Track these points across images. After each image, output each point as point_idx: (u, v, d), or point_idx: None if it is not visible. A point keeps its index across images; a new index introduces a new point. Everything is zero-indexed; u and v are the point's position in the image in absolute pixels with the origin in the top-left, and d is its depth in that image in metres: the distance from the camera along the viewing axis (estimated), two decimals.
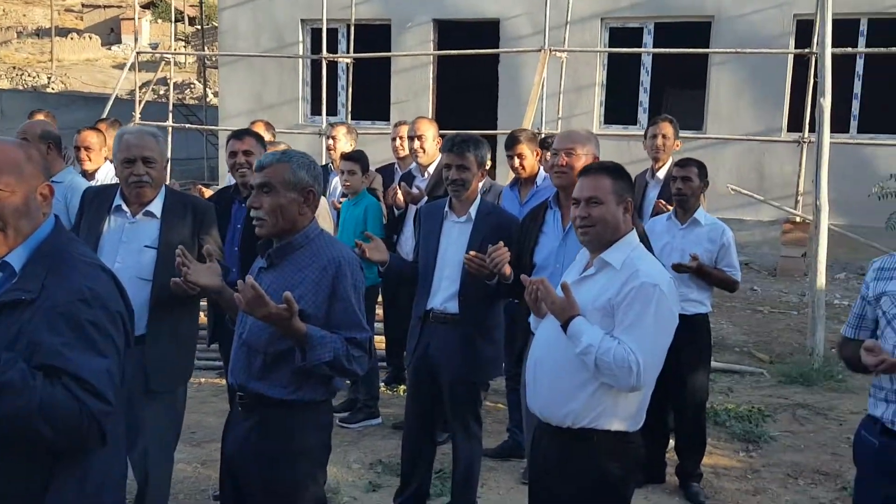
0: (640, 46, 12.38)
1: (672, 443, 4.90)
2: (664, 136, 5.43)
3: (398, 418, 5.43)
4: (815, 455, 5.20)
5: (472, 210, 4.02)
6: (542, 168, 5.11)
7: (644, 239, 3.65)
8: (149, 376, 3.49)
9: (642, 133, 11.27)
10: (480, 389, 4.25)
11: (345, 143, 6.28)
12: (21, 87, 33.01)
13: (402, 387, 6.05)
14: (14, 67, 42.77)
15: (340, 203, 5.72)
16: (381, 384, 6.08)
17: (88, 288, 2.04)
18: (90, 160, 5.46)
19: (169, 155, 14.57)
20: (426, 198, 5.33)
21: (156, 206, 3.63)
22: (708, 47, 11.98)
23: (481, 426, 4.19)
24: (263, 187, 2.81)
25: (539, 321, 2.98)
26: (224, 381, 4.54)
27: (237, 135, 4.57)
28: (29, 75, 40.61)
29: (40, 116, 6.72)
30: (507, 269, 3.63)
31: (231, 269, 3.77)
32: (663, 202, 5.16)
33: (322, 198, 5.12)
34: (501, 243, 3.66)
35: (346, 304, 2.80)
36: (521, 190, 5.16)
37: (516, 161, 5.06)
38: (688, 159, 4.77)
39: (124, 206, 3.62)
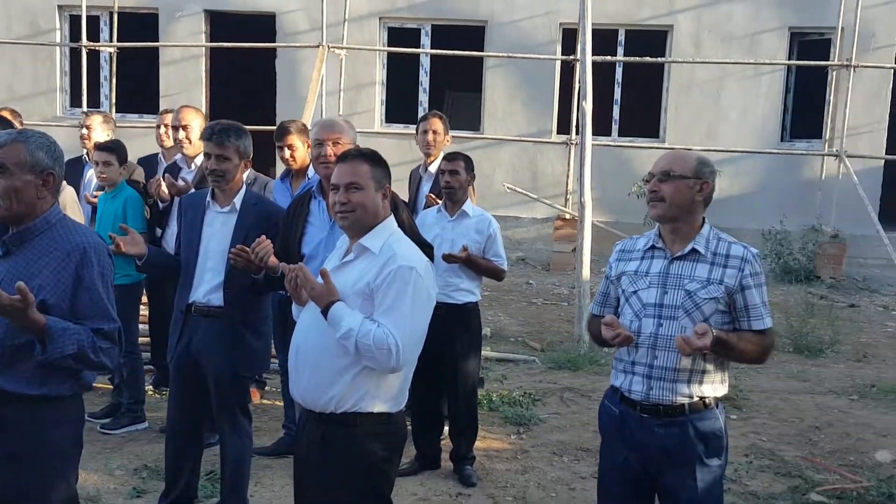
0: (419, 47, 12.65)
1: (446, 429, 5.02)
2: (434, 132, 5.55)
3: (165, 422, 5.17)
4: (579, 433, 5.52)
5: (237, 200, 3.91)
6: None
7: (415, 231, 3.72)
8: None
9: None
10: (248, 383, 4.15)
11: (100, 133, 5.85)
12: None
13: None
14: None
15: (96, 197, 5.37)
16: (149, 387, 5.79)
17: None
18: None
19: None
20: (193, 190, 5.12)
21: None
22: (483, 51, 12.44)
23: (251, 421, 4.08)
24: None
25: (300, 309, 2.95)
26: None
27: None
28: None
29: None
30: (274, 261, 3.56)
31: None
32: (433, 196, 5.28)
33: (70, 188, 4.82)
34: (264, 237, 3.58)
35: (93, 293, 2.66)
36: (293, 182, 5.09)
37: (286, 152, 4.99)
38: (455, 153, 4.90)
39: None
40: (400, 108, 13.17)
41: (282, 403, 5.41)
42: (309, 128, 4.84)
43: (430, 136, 5.54)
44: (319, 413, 2.81)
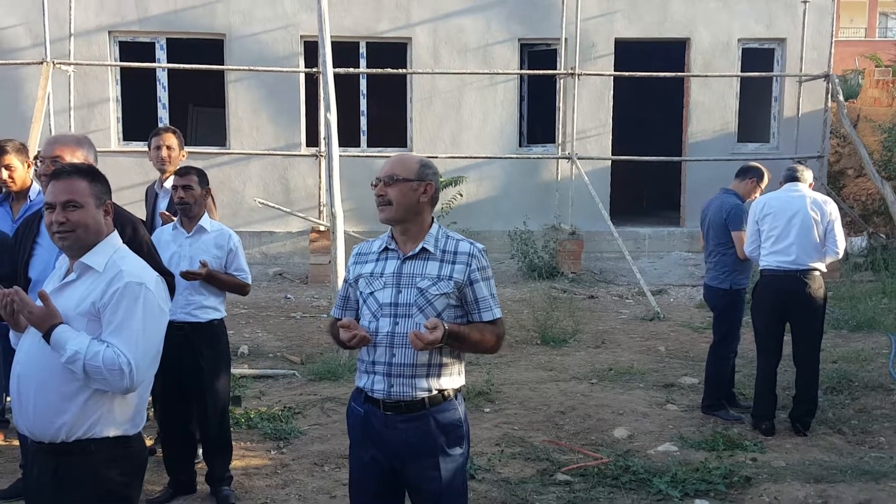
0: (154, 61, 12.16)
1: (200, 451, 4.87)
2: (168, 147, 5.36)
3: None
4: (340, 441, 5.52)
5: None
6: (34, 182, 4.74)
7: (154, 256, 3.57)
8: None
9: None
10: None
11: None
12: None
13: None
14: None
15: None
16: None
17: None
18: None
19: None
20: None
21: None
22: (223, 64, 12.19)
23: None
24: None
25: (19, 336, 2.77)
26: None
27: None
28: None
29: None
30: None
31: None
32: (167, 213, 5.09)
33: None
34: None
35: None
36: (14, 206, 4.74)
37: (4, 173, 4.64)
38: (187, 168, 4.75)
39: None
40: (139, 125, 12.56)
41: (18, 443, 5.01)
42: (36, 148, 4.52)
43: (164, 152, 5.35)
44: (50, 444, 2.65)
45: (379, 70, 11.98)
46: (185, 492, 4.71)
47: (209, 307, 4.63)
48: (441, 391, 2.96)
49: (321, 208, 11.96)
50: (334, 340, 3.18)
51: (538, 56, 13.33)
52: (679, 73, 13.19)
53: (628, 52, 13.25)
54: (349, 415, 3.12)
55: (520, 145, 13.26)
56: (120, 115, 12.41)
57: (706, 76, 12.99)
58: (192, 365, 4.50)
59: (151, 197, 5.45)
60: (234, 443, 4.91)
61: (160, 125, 12.16)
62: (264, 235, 12.29)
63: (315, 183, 12.16)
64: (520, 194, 12.79)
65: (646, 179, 15.91)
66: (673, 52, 13.53)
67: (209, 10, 12.29)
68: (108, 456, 2.66)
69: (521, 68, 13.08)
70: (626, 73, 12.67)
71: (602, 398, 6.53)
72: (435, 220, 3.08)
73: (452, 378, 3.01)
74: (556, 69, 12.76)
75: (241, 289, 4.79)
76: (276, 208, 11.60)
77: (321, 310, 9.90)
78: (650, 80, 13.62)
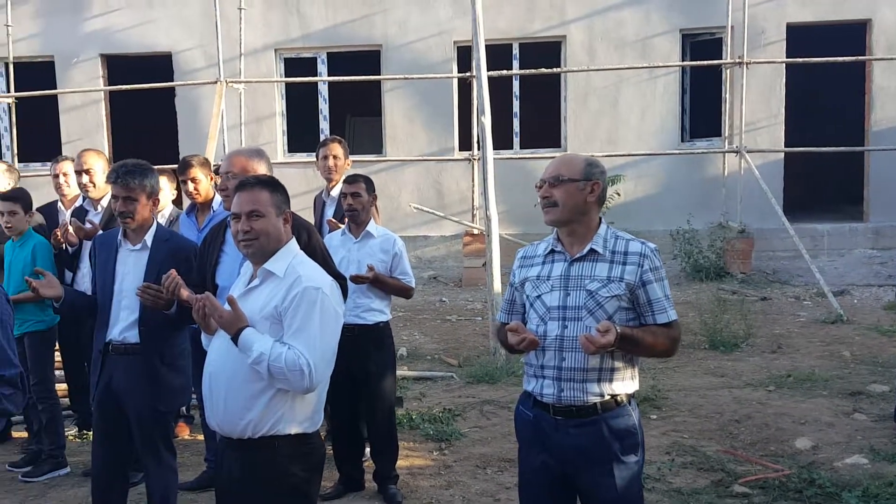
0: (316, 76, 12.65)
1: (368, 450, 5.01)
2: (334, 157, 5.57)
3: (88, 466, 5.06)
4: (500, 445, 5.55)
5: (148, 238, 3.92)
6: (217, 193, 5.05)
7: (328, 261, 3.73)
8: None
9: None
10: (169, 418, 4.12)
11: (2, 182, 5.79)
12: None
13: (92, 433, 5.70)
14: None
15: None
16: (73, 431, 5.76)
17: None
18: None
19: None
20: (101, 232, 5.04)
21: None
22: (379, 74, 12.52)
23: (175, 455, 4.07)
24: None
25: (210, 338, 2.95)
26: None
27: None
28: None
29: None
30: (185, 294, 3.53)
31: None
32: (333, 220, 5.28)
33: None
34: (174, 271, 3.58)
35: None
36: (199, 216, 5.07)
37: (190, 186, 4.97)
38: (355, 175, 4.93)
39: None
40: (302, 137, 13.15)
41: (202, 437, 5.33)
42: (212, 162, 4.82)
43: (331, 161, 5.56)
44: (237, 440, 2.80)
45: (533, 70, 11.92)
46: (354, 489, 4.86)
47: (376, 310, 4.77)
48: (614, 396, 2.90)
49: (474, 212, 12.04)
50: (501, 345, 3.18)
51: (701, 46, 12.85)
52: (860, 57, 12.28)
53: (801, 38, 12.52)
54: (517, 418, 3.11)
55: (682, 140, 12.79)
56: (285, 128, 12.99)
57: (891, 59, 12.05)
58: (360, 366, 4.64)
59: (319, 205, 5.67)
60: (399, 442, 5.02)
61: (326, 136, 12.74)
62: (419, 240, 12.50)
63: (468, 186, 12.27)
64: (682, 191, 12.36)
65: (823, 171, 14.92)
66: (851, 35, 12.66)
67: (367, 23, 12.65)
68: (291, 452, 2.79)
69: (683, 60, 12.62)
70: (801, 60, 11.94)
71: (781, 406, 6.16)
72: (602, 219, 3.01)
73: (625, 383, 2.93)
74: (721, 59, 12.26)
75: (406, 292, 4.91)
76: (430, 213, 11.79)
77: (476, 313, 9.97)
78: (826, 66, 12.79)
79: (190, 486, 4.78)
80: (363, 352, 4.63)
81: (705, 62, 12.27)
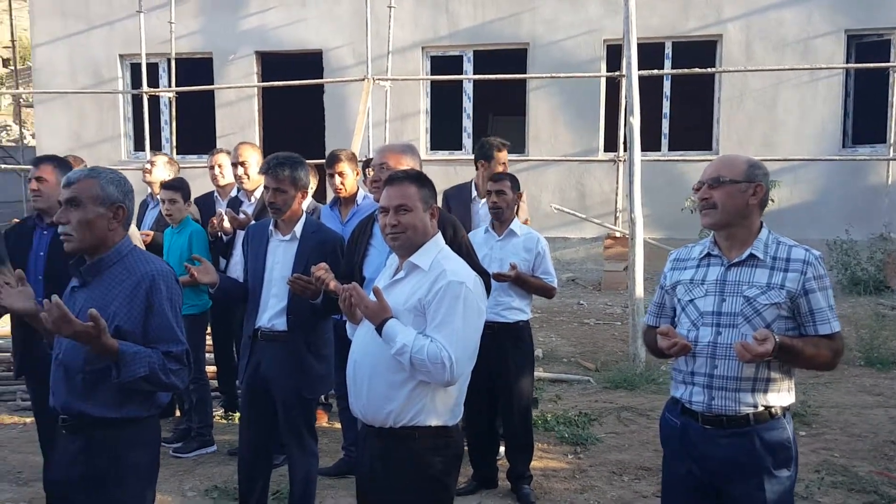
0: (461, 74, 12.74)
1: (502, 449, 4.98)
2: (503, 164, 5.52)
3: (234, 445, 5.29)
4: (639, 452, 5.43)
5: (297, 229, 4.03)
6: (361, 187, 5.15)
7: (473, 257, 3.73)
8: None
9: (467, 158, 11.57)
10: (313, 404, 4.22)
11: (162, 172, 6.11)
12: None
13: (237, 415, 5.92)
14: None
15: (148, 236, 5.55)
16: (219, 412, 6.01)
17: None
18: None
19: None
20: (253, 222, 5.23)
21: None
22: (525, 73, 12.47)
23: (317, 441, 4.17)
24: (71, 202, 2.79)
25: (355, 328, 3.00)
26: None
27: (34, 161, 4.39)
28: None
29: None
30: (332, 285, 3.61)
31: None
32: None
33: (133, 225, 4.99)
34: (324, 263, 3.66)
35: (162, 317, 2.77)
36: (342, 210, 5.17)
37: (337, 180, 5.07)
38: (501, 174, 4.94)
39: None
40: (444, 135, 13.26)
41: (339, 426, 5.46)
42: (357, 157, 4.90)
43: (501, 168, 5.52)
44: (379, 428, 2.84)
45: (686, 70, 11.56)
46: (488, 486, 4.85)
47: (516, 308, 4.74)
48: (768, 408, 2.77)
49: (617, 214, 11.80)
50: (648, 348, 3.09)
51: (867, 48, 12.10)
52: None
53: None
54: (663, 425, 3.02)
55: (843, 146, 12.09)
56: (428, 125, 13.14)
57: None
58: (499, 364, 4.62)
59: (466, 200, 5.66)
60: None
61: (469, 136, 12.81)
62: (558, 241, 12.36)
63: (611, 188, 12.04)
64: (841, 199, 11.67)
65: None
66: None
67: (515, 21, 12.63)
68: (431, 444, 2.81)
69: (848, 62, 11.93)
70: None
71: None
72: (764, 224, 2.86)
73: (780, 394, 2.80)
74: (889, 61, 11.50)
75: (548, 292, 4.85)
76: (571, 214, 11.64)
77: (615, 317, 9.77)
78: None
79: (328, 471, 4.90)
80: (502, 350, 4.62)
81: (871, 65, 11.54)
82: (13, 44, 18.92)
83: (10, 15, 17.31)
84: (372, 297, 2.81)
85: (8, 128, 31.05)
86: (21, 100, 19.87)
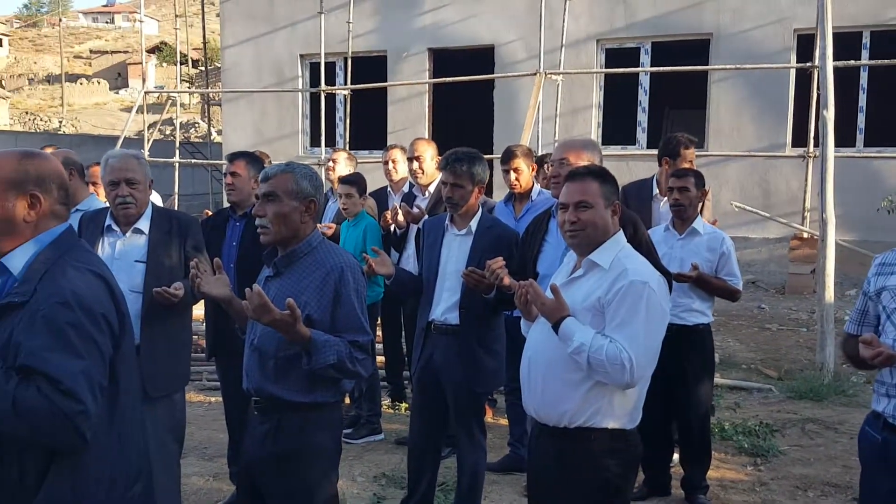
0: (637, 66, 12.40)
1: (676, 455, 4.81)
2: (690, 162, 5.34)
3: (400, 434, 5.46)
4: (825, 468, 5.11)
5: (473, 224, 4.04)
6: (535, 183, 5.11)
7: (653, 254, 3.61)
8: (144, 383, 3.49)
9: (641, 153, 11.24)
10: (483, 399, 4.23)
11: (344, 168, 6.31)
12: (34, 131, 33.40)
13: (405, 405, 6.09)
14: (27, 112, 43.50)
15: (330, 228, 5.72)
16: (387, 402, 6.15)
17: (71, 291, 2.05)
18: None
19: (176, 190, 14.72)
20: (427, 217, 5.31)
21: (143, 224, 3.81)
22: (707, 65, 11.98)
23: (485, 435, 4.17)
24: (268, 196, 2.90)
25: (530, 325, 2.96)
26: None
27: (229, 157, 4.73)
28: (41, 119, 41.20)
29: (49, 150, 6.74)
30: (507, 281, 3.60)
31: None
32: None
33: None
34: (501, 258, 3.65)
35: (349, 308, 2.86)
36: (516, 205, 5.14)
37: (512, 175, 5.05)
38: (685, 170, 4.72)
39: (114, 226, 3.81)
40: (616, 129, 12.97)
41: (505, 422, 5.45)
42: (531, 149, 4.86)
43: (687, 166, 5.33)
44: (553, 427, 2.79)
45: (886, 61, 10.70)
46: (660, 493, 4.70)
47: (697, 311, 4.56)
48: None
49: (805, 213, 11.11)
50: (848, 358, 2.89)
51: None
52: None
53: None
54: (862, 440, 2.83)
55: None
56: (600, 119, 12.89)
57: None
58: (677, 368, 4.43)
59: (646, 198, 5.49)
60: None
61: (644, 130, 12.48)
62: (738, 241, 11.68)
63: (799, 186, 11.34)
64: None
65: None
66: None
67: (697, 11, 12.14)
68: (607, 446, 2.73)
69: None
70: None
71: None
72: None
73: None
74: None
75: (732, 294, 4.63)
76: (754, 213, 11.06)
77: (800, 323, 9.22)
78: None
79: (493, 467, 4.88)
80: (681, 353, 4.40)
81: None
82: (204, 46, 20.28)
83: (203, 18, 18.51)
84: (549, 294, 2.76)
85: (196, 125, 33.35)
86: (209, 98, 21.27)
